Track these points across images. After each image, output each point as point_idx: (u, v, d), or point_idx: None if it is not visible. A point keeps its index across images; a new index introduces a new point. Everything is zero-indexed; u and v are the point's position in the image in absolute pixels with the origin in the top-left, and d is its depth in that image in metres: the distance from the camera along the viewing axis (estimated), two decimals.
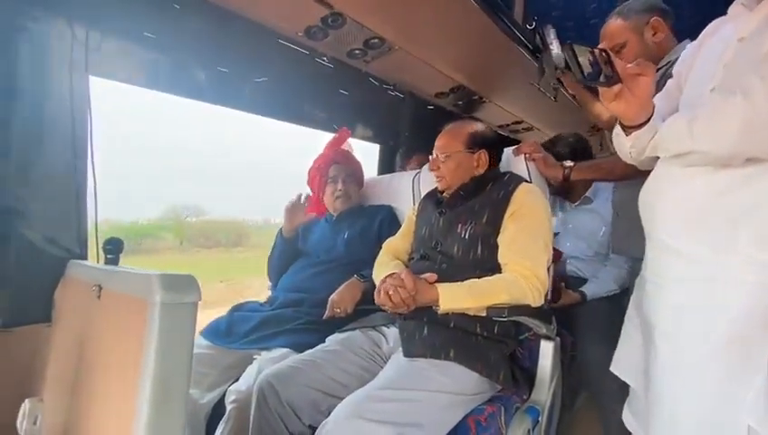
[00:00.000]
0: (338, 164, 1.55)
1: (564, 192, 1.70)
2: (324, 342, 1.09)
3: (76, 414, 0.74)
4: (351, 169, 1.57)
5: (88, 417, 0.71)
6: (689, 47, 0.87)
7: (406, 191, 1.54)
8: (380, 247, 1.30)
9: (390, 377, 0.90)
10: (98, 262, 0.98)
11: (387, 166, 2.10)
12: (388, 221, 1.49)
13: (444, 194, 1.22)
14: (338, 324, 1.16)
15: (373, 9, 1.20)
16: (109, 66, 1.11)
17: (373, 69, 1.59)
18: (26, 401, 0.87)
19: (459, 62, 1.60)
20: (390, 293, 0.92)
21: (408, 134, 2.12)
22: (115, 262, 0.91)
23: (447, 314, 0.97)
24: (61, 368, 0.87)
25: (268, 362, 1.03)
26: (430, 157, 1.22)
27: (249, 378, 1.00)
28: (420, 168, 1.54)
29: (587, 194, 1.66)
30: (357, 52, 1.43)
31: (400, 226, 1.36)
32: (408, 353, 0.96)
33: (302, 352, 1.05)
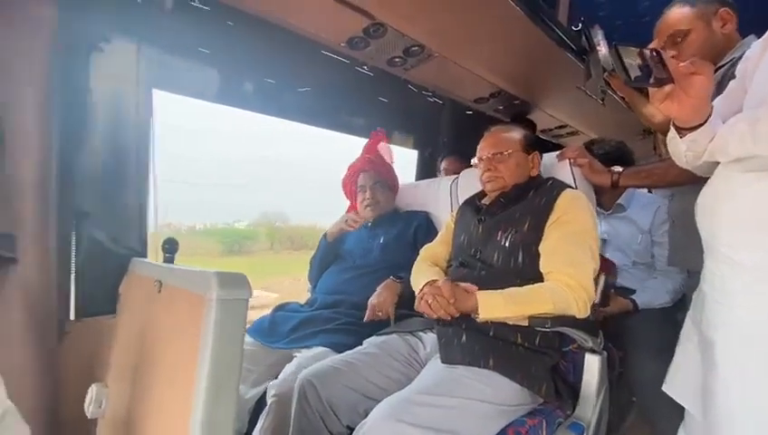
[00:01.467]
0: (365, 172, 1.55)
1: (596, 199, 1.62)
2: (361, 344, 1.11)
3: (137, 400, 0.81)
4: (381, 176, 1.56)
5: (148, 402, 0.77)
6: (754, 45, 0.81)
7: (444, 197, 1.54)
8: (416, 253, 1.30)
9: (429, 382, 0.90)
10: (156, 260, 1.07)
11: (425, 172, 2.11)
12: (424, 227, 1.49)
13: (483, 201, 1.20)
14: (375, 327, 1.18)
15: (414, 18, 1.21)
16: (169, 80, 1.21)
17: (412, 76, 1.60)
18: (93, 385, 0.95)
19: (500, 66, 1.58)
20: (430, 301, 0.93)
21: (447, 140, 2.11)
22: (171, 260, 0.99)
23: (487, 322, 0.95)
24: (124, 356, 0.94)
25: (307, 360, 1.07)
26: (473, 161, 1.20)
27: (288, 374, 1.04)
28: (458, 173, 1.53)
29: (620, 201, 1.57)
30: (397, 60, 1.45)
31: (437, 232, 1.36)
32: (445, 360, 0.95)
33: (339, 352, 1.07)
